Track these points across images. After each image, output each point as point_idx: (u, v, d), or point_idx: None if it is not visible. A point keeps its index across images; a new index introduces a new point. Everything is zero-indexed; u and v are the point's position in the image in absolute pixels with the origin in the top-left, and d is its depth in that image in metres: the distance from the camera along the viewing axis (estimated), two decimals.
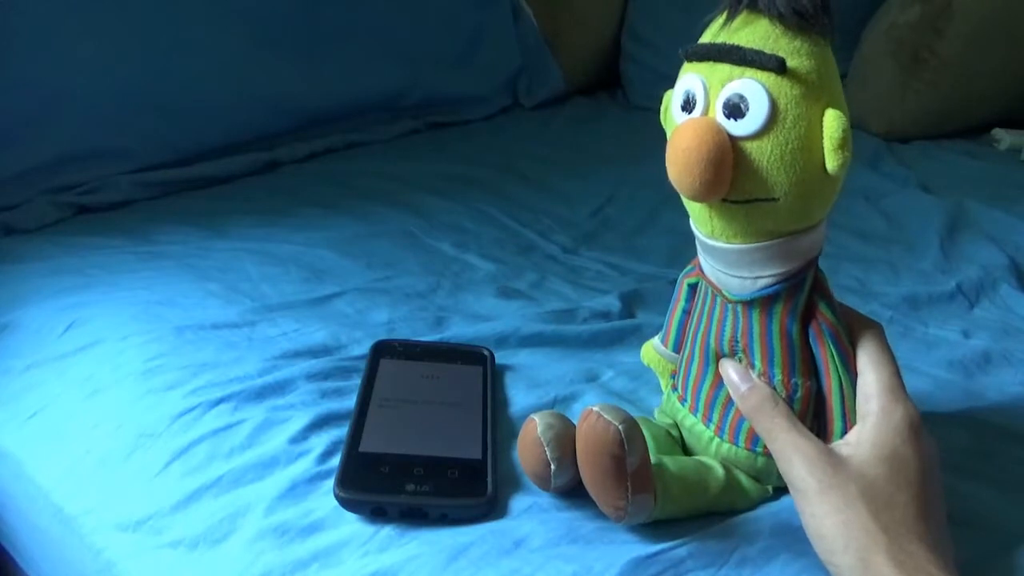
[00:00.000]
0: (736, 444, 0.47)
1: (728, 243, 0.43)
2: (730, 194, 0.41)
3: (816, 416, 0.46)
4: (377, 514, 0.46)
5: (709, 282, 0.46)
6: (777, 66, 0.39)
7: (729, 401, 0.47)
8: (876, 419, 0.42)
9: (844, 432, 0.44)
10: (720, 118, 0.40)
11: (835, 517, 0.40)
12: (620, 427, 0.42)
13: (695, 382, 0.49)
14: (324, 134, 1.07)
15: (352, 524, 0.46)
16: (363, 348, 0.61)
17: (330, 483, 0.48)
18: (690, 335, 0.49)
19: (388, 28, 1.15)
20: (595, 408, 0.43)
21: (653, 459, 0.45)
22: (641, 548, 0.44)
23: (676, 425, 0.51)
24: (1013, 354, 0.66)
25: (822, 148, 0.40)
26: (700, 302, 0.48)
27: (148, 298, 0.67)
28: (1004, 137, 1.24)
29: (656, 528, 0.46)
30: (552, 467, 0.46)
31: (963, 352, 0.66)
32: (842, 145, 0.39)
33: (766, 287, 0.43)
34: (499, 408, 0.56)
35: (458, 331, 0.65)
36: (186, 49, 0.96)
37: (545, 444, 0.45)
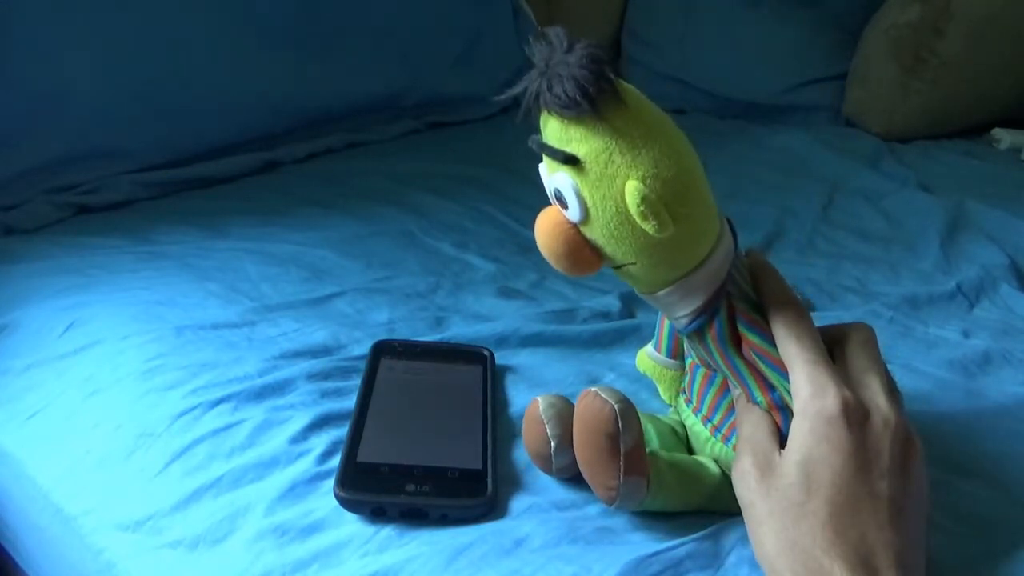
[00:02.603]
0: (727, 445, 0.47)
1: (639, 293, 0.45)
2: (604, 262, 0.42)
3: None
4: (377, 514, 0.46)
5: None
6: (566, 160, 0.39)
7: (732, 406, 0.47)
8: (795, 422, 0.40)
9: None
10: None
11: (752, 538, 0.40)
12: (616, 406, 0.43)
13: (701, 385, 0.49)
14: (324, 134, 1.07)
15: (352, 524, 0.46)
16: (363, 348, 0.61)
17: (330, 483, 0.48)
18: (686, 346, 0.50)
19: (388, 28, 1.15)
20: (593, 389, 0.44)
21: (648, 449, 0.46)
22: (640, 549, 0.44)
23: (682, 423, 0.51)
24: (1013, 354, 0.66)
25: None
26: None
27: (148, 298, 0.67)
28: (1004, 137, 1.24)
29: (655, 529, 0.46)
30: (552, 444, 0.47)
31: (963, 352, 0.66)
32: (646, 215, 0.38)
33: (687, 325, 0.44)
34: (499, 408, 0.56)
35: (458, 331, 0.65)
36: (186, 49, 0.96)
37: (546, 421, 0.47)
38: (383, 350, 0.60)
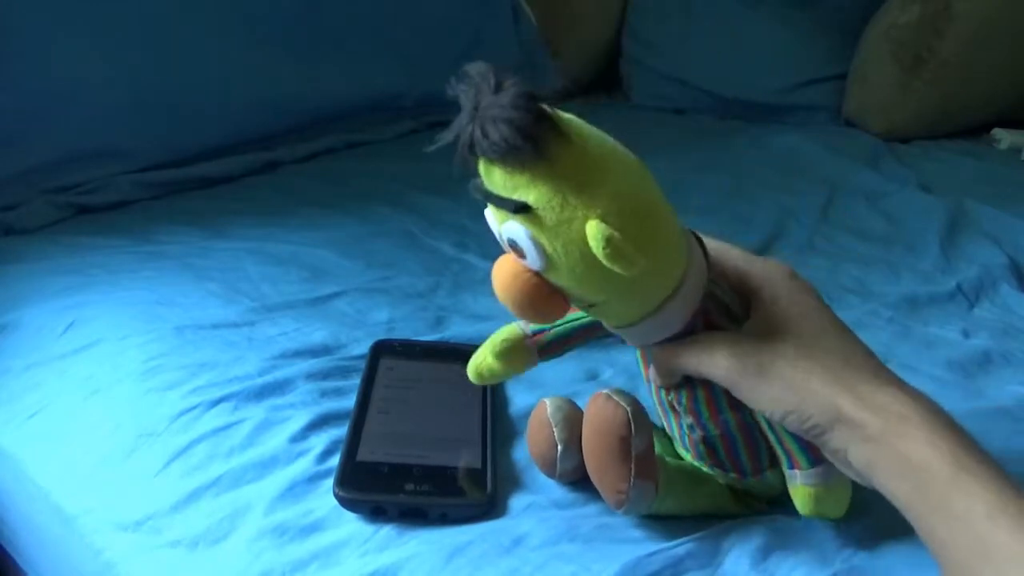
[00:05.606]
0: (726, 473, 0.47)
1: (611, 328, 0.43)
2: (572, 304, 0.40)
3: (756, 445, 0.45)
4: (377, 513, 0.46)
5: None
6: (517, 210, 0.36)
7: (706, 441, 0.45)
8: (764, 292, 0.42)
9: (788, 456, 0.43)
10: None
11: (753, 393, 0.40)
12: (628, 409, 0.42)
13: (678, 435, 0.47)
14: (324, 134, 1.07)
15: (352, 524, 0.46)
16: (363, 348, 0.61)
17: (330, 483, 0.48)
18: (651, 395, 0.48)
19: (388, 28, 1.15)
20: (604, 392, 0.43)
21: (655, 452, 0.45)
22: (639, 548, 0.44)
23: None
24: (1013, 354, 0.66)
25: None
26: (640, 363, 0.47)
27: (148, 298, 0.67)
28: (1004, 137, 1.24)
29: (654, 528, 0.46)
30: (559, 448, 0.46)
31: (963, 352, 0.66)
32: (613, 256, 0.35)
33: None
34: (499, 408, 0.56)
35: (458, 331, 0.65)
36: (186, 49, 0.96)
37: (554, 425, 0.47)
38: (383, 350, 0.60)
